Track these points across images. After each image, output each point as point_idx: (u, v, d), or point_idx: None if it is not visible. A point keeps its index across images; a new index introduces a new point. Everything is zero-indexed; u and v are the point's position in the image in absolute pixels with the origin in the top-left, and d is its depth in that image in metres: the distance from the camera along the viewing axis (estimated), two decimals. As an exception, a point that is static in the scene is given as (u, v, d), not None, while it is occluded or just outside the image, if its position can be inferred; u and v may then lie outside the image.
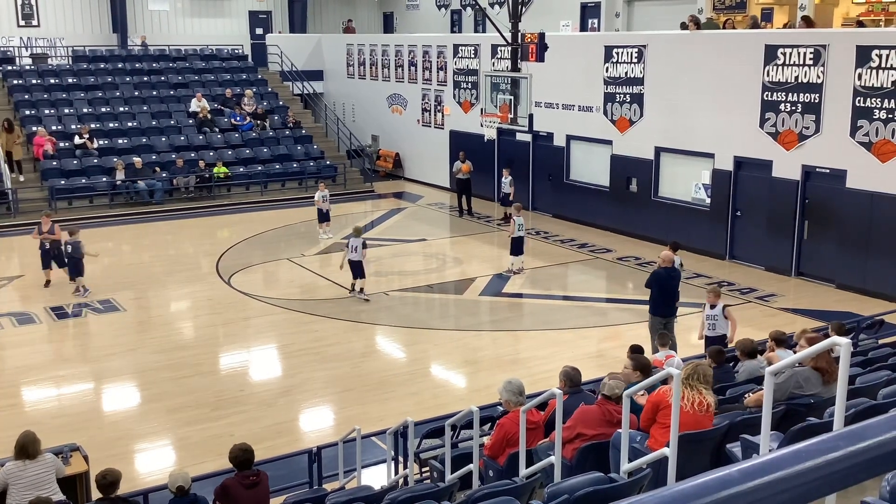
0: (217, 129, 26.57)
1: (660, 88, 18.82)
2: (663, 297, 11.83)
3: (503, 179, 21.89)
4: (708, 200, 18.17)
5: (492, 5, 28.46)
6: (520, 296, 16.17)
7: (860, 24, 17.73)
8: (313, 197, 20.73)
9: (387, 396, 11.47)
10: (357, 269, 15.43)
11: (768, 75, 16.45)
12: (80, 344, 13.82)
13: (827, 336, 7.95)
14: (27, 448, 6.96)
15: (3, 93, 26.49)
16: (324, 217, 20.24)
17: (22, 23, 30.88)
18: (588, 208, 21.06)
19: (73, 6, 31.69)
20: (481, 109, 19.71)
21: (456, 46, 25.14)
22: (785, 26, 19.81)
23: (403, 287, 16.90)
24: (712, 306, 11.25)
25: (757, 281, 16.36)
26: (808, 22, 17.45)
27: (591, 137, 20.82)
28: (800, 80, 15.90)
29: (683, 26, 19.30)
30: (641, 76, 19.19)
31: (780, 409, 6.10)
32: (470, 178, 22.65)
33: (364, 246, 15.45)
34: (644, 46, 19.09)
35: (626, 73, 19.54)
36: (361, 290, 15.53)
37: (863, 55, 14.83)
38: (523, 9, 19.25)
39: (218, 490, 6.71)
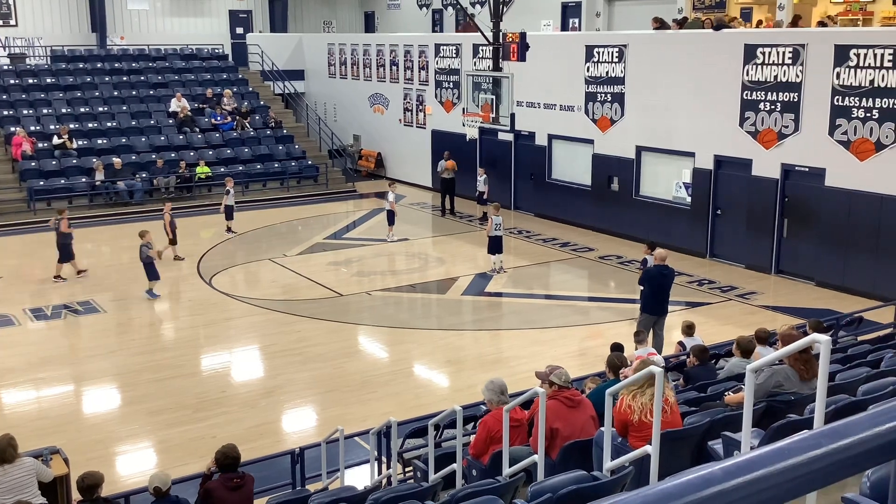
0: (198, 129, 26.42)
1: (640, 88, 18.89)
2: (655, 295, 11.87)
3: (478, 179, 21.91)
4: (688, 199, 18.26)
5: (473, 4, 28.50)
6: (502, 295, 16.19)
7: (822, 23, 17.80)
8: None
9: (369, 397, 11.45)
10: (229, 212, 20.71)
11: (748, 74, 16.55)
12: (59, 346, 13.70)
13: (804, 333, 8.00)
14: (5, 452, 6.84)
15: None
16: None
17: (-1, 22, 30.57)
18: (570, 207, 21.11)
19: (52, 5, 31.38)
20: (463, 109, 19.70)
21: (437, 46, 25.13)
22: (773, 25, 19.88)
23: (386, 287, 16.87)
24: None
25: (737, 279, 16.47)
26: (795, 21, 17.53)
27: (573, 137, 20.88)
28: (779, 80, 16.01)
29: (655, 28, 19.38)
30: (622, 76, 19.25)
31: (760, 406, 6.14)
32: (454, 178, 22.66)
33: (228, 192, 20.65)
34: (625, 46, 19.16)
35: (607, 72, 19.60)
36: (229, 228, 20.78)
37: (841, 54, 14.96)
38: (504, 8, 19.26)
39: (200, 493, 6.67)
